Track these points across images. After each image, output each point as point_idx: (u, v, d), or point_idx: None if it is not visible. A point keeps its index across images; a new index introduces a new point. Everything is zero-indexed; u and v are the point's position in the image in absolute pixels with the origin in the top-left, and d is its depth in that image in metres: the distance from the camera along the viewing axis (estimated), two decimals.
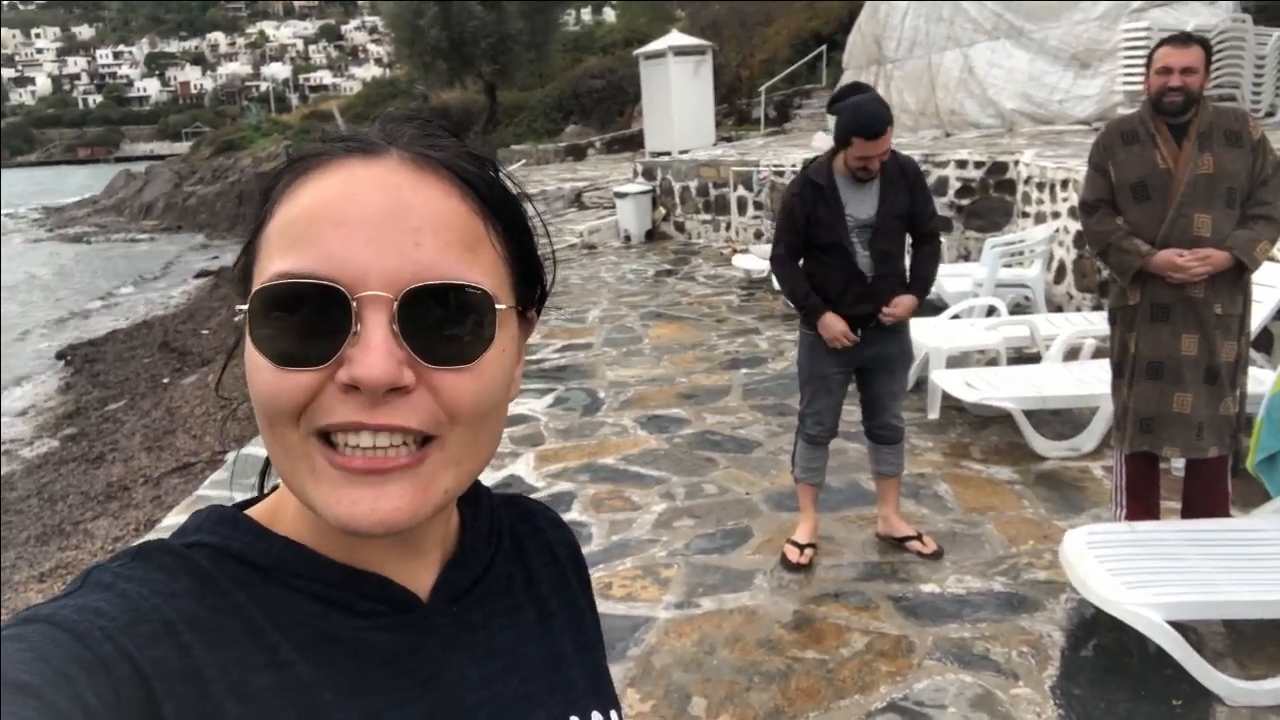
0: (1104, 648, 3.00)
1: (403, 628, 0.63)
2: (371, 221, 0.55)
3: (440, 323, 0.56)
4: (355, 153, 0.58)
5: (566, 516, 4.20)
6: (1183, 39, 3.20)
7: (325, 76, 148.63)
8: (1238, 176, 3.13)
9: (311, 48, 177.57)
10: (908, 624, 3.21)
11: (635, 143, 19.90)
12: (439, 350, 0.56)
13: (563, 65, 29.70)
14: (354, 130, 0.61)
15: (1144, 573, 2.86)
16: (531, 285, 0.65)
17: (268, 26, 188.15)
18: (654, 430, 5.27)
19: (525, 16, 24.00)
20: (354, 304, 0.54)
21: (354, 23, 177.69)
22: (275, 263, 0.56)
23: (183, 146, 61.67)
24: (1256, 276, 3.31)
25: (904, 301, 3.48)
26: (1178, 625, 2.72)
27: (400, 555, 0.64)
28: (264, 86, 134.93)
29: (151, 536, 3.32)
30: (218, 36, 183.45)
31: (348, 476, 0.55)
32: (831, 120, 3.53)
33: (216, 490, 4.97)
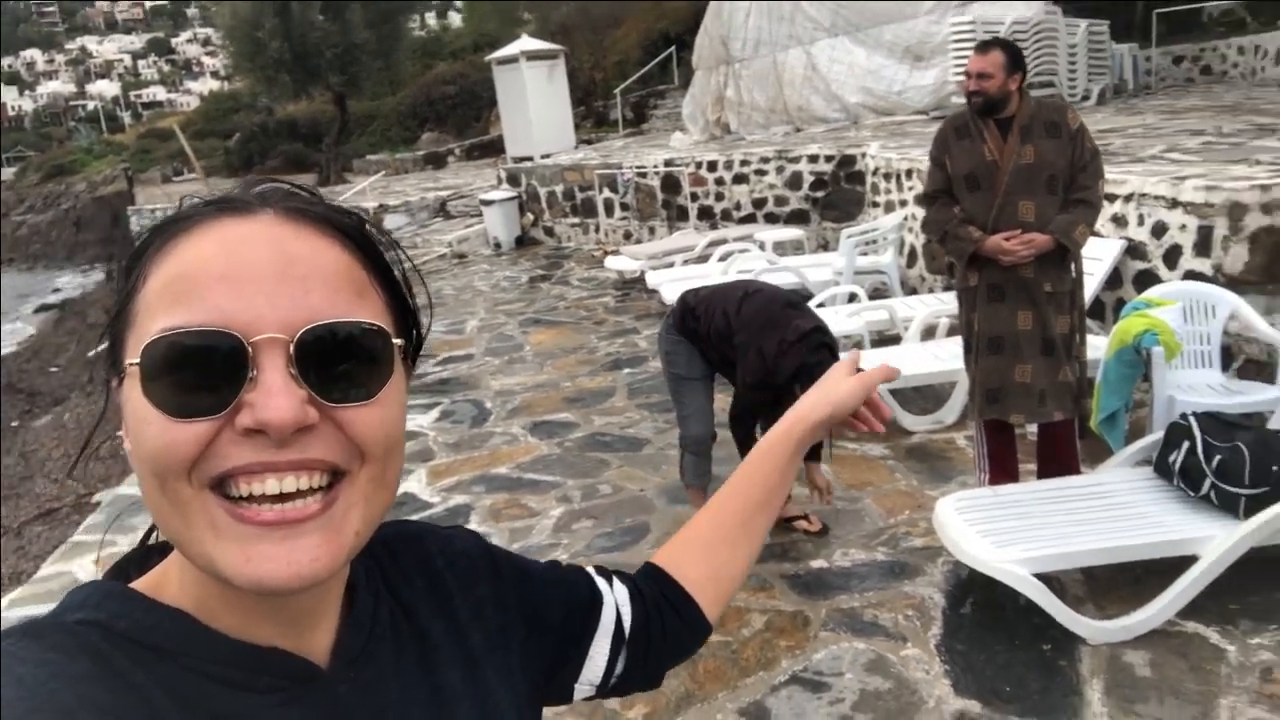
0: (980, 604, 3.27)
1: (304, 702, 0.61)
2: (258, 272, 0.55)
3: (338, 361, 0.56)
4: (227, 212, 0.58)
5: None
6: (982, 45, 3.49)
7: (159, 92, 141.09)
8: (1058, 164, 3.43)
9: (140, 62, 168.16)
10: (802, 600, 3.41)
11: (496, 148, 19.82)
12: (339, 388, 0.56)
13: (413, 72, 29.27)
14: (222, 193, 0.61)
15: (1009, 532, 3.14)
16: (408, 336, 0.64)
17: (89, 41, 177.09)
18: (544, 436, 5.36)
19: (370, 25, 23.54)
20: (249, 348, 0.53)
21: (185, 35, 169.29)
22: (160, 320, 0.54)
23: (6, 173, 57.45)
24: (1086, 251, 3.64)
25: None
26: (1042, 577, 3.00)
27: (295, 625, 0.61)
28: (91, 105, 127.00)
29: (24, 589, 3.18)
30: (34, 54, 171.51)
31: (256, 531, 0.53)
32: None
33: (92, 535, 4.77)
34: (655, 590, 0.90)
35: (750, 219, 9.85)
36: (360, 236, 0.61)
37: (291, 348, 0.54)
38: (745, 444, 3.72)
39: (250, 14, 22.45)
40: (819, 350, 3.43)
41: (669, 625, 0.89)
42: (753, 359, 3.49)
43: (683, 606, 0.90)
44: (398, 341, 0.60)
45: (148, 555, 0.66)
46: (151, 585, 0.61)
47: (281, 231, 0.57)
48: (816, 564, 3.66)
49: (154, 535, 0.67)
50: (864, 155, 8.85)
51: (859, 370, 0.98)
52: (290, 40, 22.10)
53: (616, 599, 0.86)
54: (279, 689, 0.60)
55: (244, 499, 0.54)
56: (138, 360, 0.54)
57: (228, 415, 0.53)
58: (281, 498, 0.54)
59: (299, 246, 0.57)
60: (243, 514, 0.54)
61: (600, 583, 0.87)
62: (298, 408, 0.53)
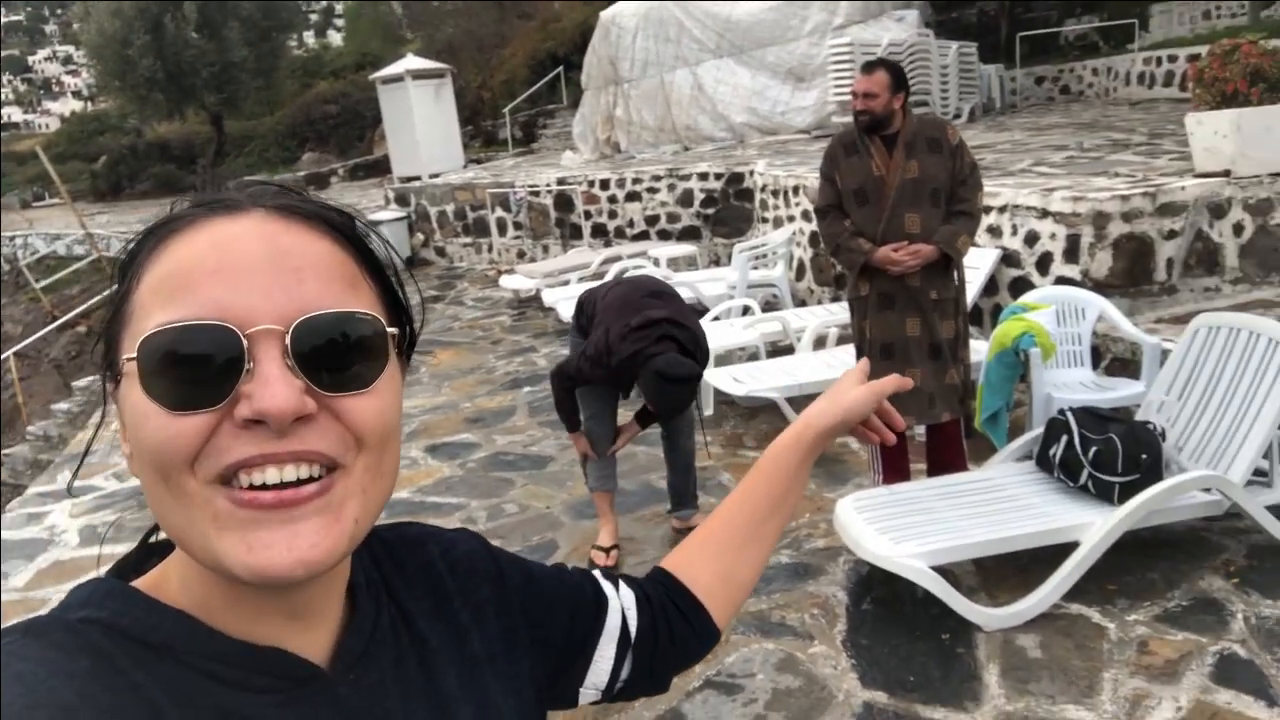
0: (880, 599, 3.39)
1: (304, 703, 0.61)
2: (252, 266, 0.55)
3: (333, 351, 0.56)
4: (219, 212, 0.58)
5: None
6: (868, 66, 3.67)
7: (14, 113, 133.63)
8: (940, 178, 3.62)
9: None
10: None
11: (381, 168, 19.51)
12: (335, 378, 0.56)
13: (293, 91, 28.57)
14: (213, 194, 0.61)
15: (905, 528, 3.28)
16: (401, 329, 0.65)
17: None
18: (445, 458, 5.30)
19: (249, 43, 22.91)
20: (245, 340, 0.54)
21: (43, 53, 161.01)
22: (156, 316, 0.54)
23: None
24: (966, 261, 3.84)
25: None
26: (938, 569, 3.14)
27: (296, 625, 0.62)
28: None
29: None
30: None
31: (256, 517, 0.54)
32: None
33: None
34: (663, 595, 0.90)
35: (644, 236, 9.98)
36: (350, 232, 0.62)
37: (287, 338, 0.55)
38: (563, 403, 3.75)
39: (119, 31, 21.54)
40: (661, 342, 3.36)
41: (676, 630, 0.89)
42: (599, 336, 3.49)
43: (690, 612, 0.90)
44: (392, 331, 0.61)
45: (146, 556, 0.66)
46: (151, 585, 0.61)
47: (273, 227, 0.58)
48: None
49: (152, 536, 0.68)
50: (752, 173, 9.08)
51: (869, 379, 0.97)
52: (163, 58, 21.31)
53: (623, 603, 0.87)
54: (279, 689, 0.60)
55: (245, 489, 0.55)
56: (134, 355, 0.54)
57: (226, 407, 0.54)
58: (281, 486, 0.55)
59: (290, 239, 0.58)
60: (243, 498, 0.54)
61: (606, 587, 0.87)
62: (295, 396, 0.54)
